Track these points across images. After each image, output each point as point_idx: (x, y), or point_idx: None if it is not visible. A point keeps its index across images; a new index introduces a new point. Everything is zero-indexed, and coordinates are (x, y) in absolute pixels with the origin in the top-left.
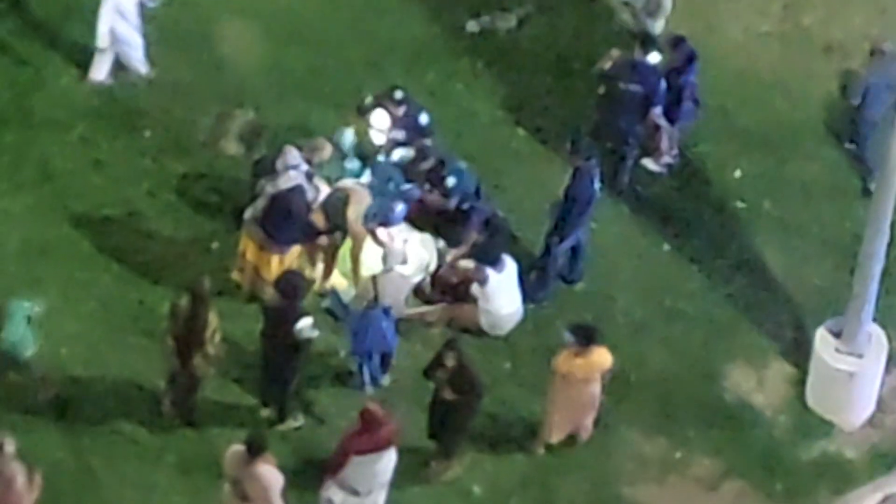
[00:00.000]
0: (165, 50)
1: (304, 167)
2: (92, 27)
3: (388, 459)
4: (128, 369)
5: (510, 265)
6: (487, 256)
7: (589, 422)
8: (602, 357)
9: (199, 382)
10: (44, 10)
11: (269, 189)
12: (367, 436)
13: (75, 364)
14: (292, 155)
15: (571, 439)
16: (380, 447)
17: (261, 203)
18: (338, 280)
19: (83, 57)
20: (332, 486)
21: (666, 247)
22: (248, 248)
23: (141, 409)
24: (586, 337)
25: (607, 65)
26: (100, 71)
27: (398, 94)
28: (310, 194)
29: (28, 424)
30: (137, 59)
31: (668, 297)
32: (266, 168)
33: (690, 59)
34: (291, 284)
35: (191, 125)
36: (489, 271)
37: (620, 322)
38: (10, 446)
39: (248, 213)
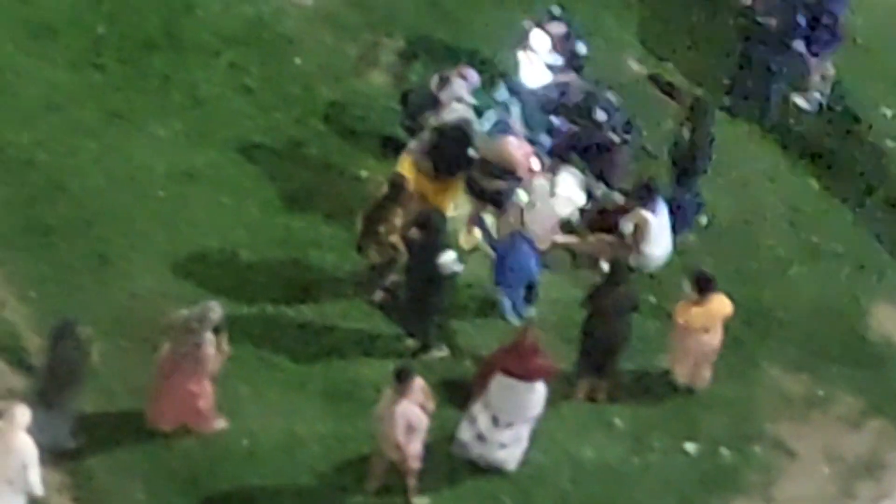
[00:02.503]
0: None
1: (470, 99)
2: None
3: (536, 393)
4: (274, 297)
5: (662, 207)
6: (645, 199)
7: (706, 372)
8: (721, 305)
9: (386, 266)
10: None
11: (433, 121)
12: (518, 359)
13: (222, 288)
14: (458, 85)
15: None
16: (527, 376)
17: (426, 134)
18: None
19: None
20: (477, 406)
21: (814, 184)
22: (414, 177)
23: (286, 336)
24: (704, 285)
25: (747, 0)
26: None
27: (556, 10)
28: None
29: None
30: None
31: (816, 234)
32: (418, 98)
33: None
34: (431, 221)
35: (340, 53)
36: (648, 215)
37: (767, 259)
38: (214, 314)
39: (412, 144)
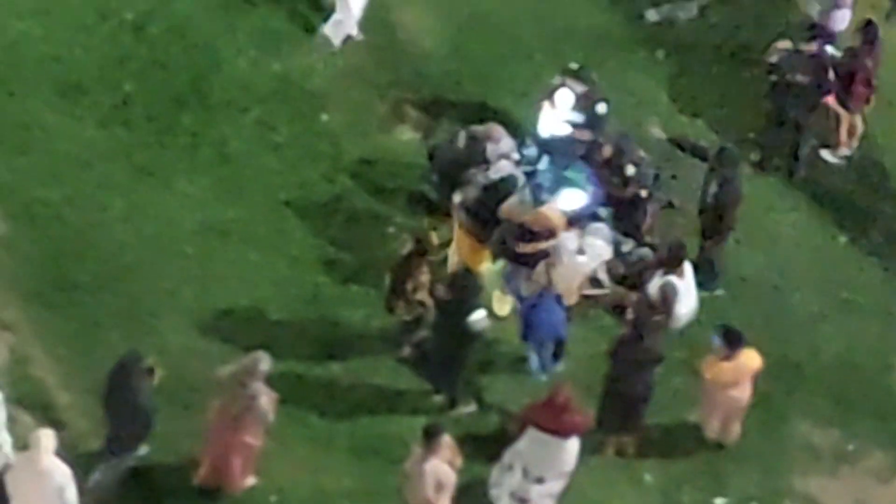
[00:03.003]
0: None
1: (515, 156)
2: (272, 10)
3: (568, 449)
4: (302, 353)
5: (688, 269)
6: (672, 264)
7: (736, 427)
8: (750, 360)
9: (414, 323)
10: None
11: (481, 178)
12: (551, 414)
13: (250, 345)
14: (505, 143)
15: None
16: (561, 431)
17: (472, 191)
18: None
19: (261, 40)
20: (509, 460)
21: (842, 238)
22: (457, 232)
23: (314, 393)
24: (733, 341)
25: (774, 57)
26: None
27: (574, 66)
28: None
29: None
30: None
31: (844, 288)
32: (446, 154)
33: (871, 41)
34: (462, 281)
35: (368, 109)
36: (676, 282)
37: (795, 313)
38: (264, 365)
39: (457, 198)
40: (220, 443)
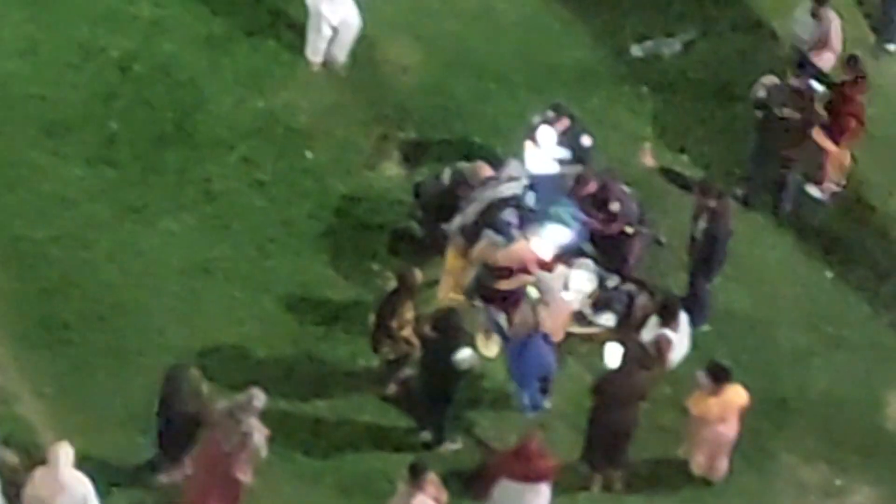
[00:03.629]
0: (328, 70)
1: (525, 180)
2: (256, 48)
3: (540, 495)
4: (287, 391)
5: (683, 319)
6: (665, 316)
7: (723, 463)
8: (737, 395)
9: (400, 360)
10: (206, 29)
11: (490, 194)
12: (521, 463)
13: (236, 383)
14: (514, 166)
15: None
16: (531, 478)
17: (473, 209)
18: None
19: (245, 78)
20: None
21: (829, 274)
22: (450, 262)
23: (300, 430)
24: (719, 376)
25: (761, 92)
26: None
27: (557, 106)
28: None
29: None
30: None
31: (831, 324)
32: (430, 190)
33: (858, 76)
34: (450, 322)
35: (352, 146)
36: (671, 335)
37: (782, 349)
38: (258, 401)
39: (456, 221)
40: (208, 478)
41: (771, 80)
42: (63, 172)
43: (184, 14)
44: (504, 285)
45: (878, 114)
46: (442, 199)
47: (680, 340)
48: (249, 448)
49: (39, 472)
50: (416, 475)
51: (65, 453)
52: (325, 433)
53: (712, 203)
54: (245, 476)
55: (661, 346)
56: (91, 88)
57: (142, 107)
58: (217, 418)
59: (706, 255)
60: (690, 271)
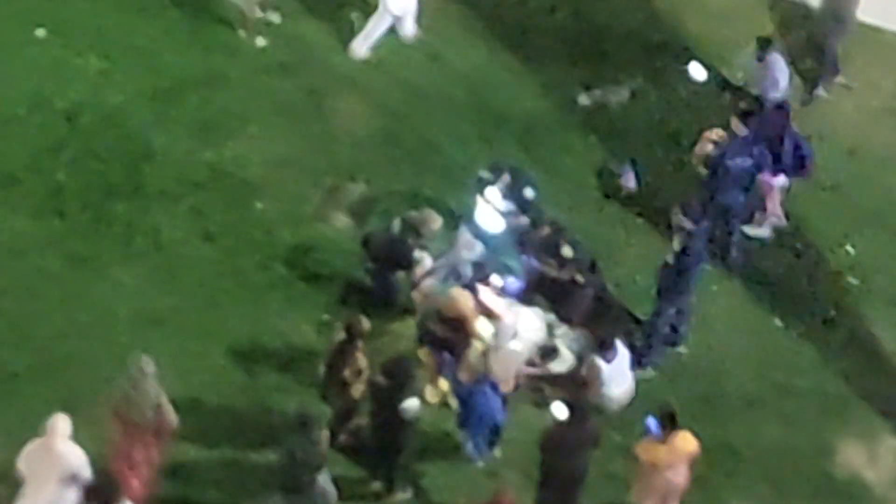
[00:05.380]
0: (277, 121)
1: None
2: (206, 99)
3: None
4: (238, 441)
5: (622, 351)
6: (601, 347)
7: None
8: (686, 442)
9: (351, 410)
10: (155, 80)
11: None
12: None
13: (186, 435)
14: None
15: None
16: None
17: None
18: None
19: (194, 129)
20: None
21: (778, 322)
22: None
23: (250, 480)
24: (668, 423)
25: (708, 147)
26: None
27: (494, 166)
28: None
29: None
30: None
31: (780, 372)
32: (380, 241)
33: (782, 108)
34: (400, 370)
35: (302, 197)
36: (601, 363)
37: (732, 396)
38: (149, 366)
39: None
40: (137, 465)
41: (712, 134)
42: (11, 224)
43: (131, 65)
44: (447, 332)
45: (826, 162)
46: (391, 250)
47: (617, 372)
48: (166, 419)
49: (35, 443)
50: None
51: (62, 424)
52: (275, 483)
53: (688, 226)
54: (157, 453)
55: (591, 371)
56: (38, 140)
57: (90, 158)
58: (119, 401)
59: (674, 278)
60: (657, 296)
